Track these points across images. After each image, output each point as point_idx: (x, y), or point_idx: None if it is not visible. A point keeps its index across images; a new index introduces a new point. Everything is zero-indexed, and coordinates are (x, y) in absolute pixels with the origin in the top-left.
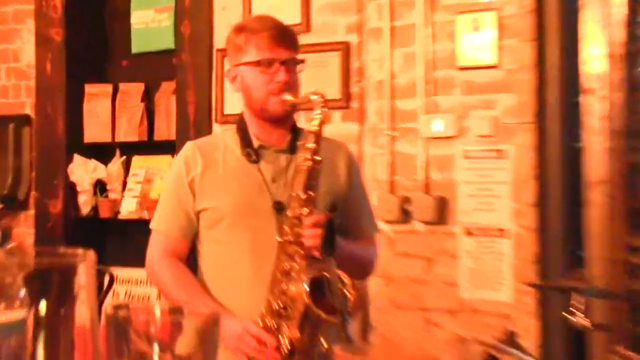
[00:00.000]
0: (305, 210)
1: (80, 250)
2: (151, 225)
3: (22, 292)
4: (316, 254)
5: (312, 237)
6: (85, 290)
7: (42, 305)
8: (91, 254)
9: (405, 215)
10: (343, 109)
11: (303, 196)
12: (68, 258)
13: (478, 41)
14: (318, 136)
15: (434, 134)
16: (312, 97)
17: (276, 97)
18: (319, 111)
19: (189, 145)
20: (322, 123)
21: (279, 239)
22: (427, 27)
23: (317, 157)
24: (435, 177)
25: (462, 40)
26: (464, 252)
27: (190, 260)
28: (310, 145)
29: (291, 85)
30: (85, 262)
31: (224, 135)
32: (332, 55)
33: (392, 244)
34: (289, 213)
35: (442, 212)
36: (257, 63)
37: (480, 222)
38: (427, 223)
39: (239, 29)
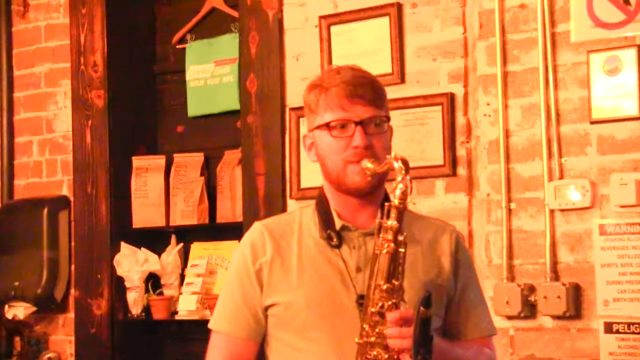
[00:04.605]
0: (387, 304)
1: None
2: (210, 325)
3: None
4: (405, 359)
5: (398, 337)
6: None
7: None
8: None
9: (530, 309)
10: (447, 177)
11: (384, 286)
12: None
13: (617, 86)
14: (400, 211)
15: (563, 205)
16: (393, 162)
17: (355, 166)
18: (400, 179)
19: (256, 227)
20: (404, 194)
21: (358, 340)
22: (550, 71)
23: (400, 238)
24: (566, 260)
25: (597, 86)
26: (606, 354)
27: None
28: (392, 222)
29: (373, 151)
30: None
31: (300, 214)
32: (432, 111)
33: (514, 345)
34: (369, 308)
35: (576, 303)
36: (327, 126)
37: (625, 316)
38: (557, 318)
39: (312, 86)
